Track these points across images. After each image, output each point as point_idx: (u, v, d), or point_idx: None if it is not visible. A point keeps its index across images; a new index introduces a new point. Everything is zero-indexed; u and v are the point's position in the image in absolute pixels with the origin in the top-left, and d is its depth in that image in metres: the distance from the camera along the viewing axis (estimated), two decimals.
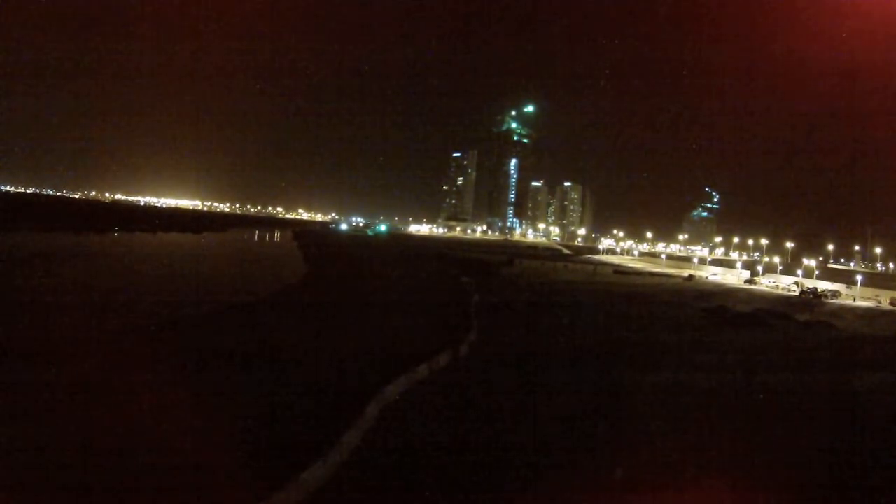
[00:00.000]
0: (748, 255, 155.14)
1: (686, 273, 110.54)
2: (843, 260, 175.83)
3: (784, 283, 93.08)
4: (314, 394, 24.26)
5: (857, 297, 79.01)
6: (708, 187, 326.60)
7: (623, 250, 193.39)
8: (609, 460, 19.08)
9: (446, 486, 16.82)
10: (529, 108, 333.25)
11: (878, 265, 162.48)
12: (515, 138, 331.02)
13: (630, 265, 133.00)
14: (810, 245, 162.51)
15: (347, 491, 16.46)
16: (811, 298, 77.00)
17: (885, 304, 75.23)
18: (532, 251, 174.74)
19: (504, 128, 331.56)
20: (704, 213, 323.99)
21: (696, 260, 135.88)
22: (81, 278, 56.91)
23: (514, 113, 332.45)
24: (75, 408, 20.58)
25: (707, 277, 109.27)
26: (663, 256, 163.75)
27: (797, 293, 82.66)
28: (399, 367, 28.16)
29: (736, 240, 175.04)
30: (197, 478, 15.65)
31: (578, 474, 18.05)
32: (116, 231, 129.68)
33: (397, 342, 35.61)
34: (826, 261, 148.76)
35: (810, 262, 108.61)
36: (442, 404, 24.97)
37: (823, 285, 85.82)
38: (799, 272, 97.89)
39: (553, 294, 71.84)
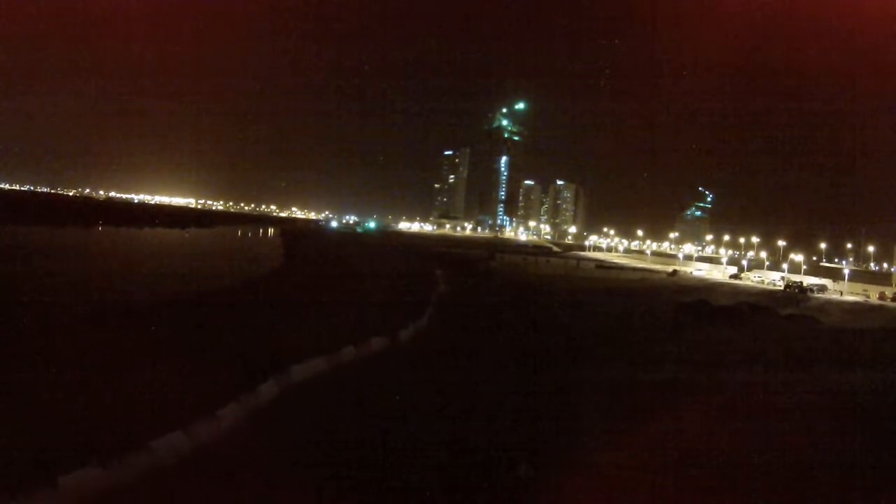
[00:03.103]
0: (740, 253, 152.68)
1: (670, 269, 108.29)
2: (836, 260, 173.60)
3: (770, 279, 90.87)
4: (217, 371, 21.95)
5: (844, 291, 76.77)
6: (702, 187, 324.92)
7: (609, 247, 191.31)
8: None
9: (305, 486, 14.15)
10: (520, 106, 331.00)
11: (872, 265, 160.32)
12: (506, 136, 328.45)
13: (615, 261, 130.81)
14: (803, 244, 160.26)
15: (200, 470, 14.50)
16: (796, 293, 74.50)
17: (873, 298, 73.01)
18: (521, 249, 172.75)
19: (495, 125, 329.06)
20: (698, 213, 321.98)
21: (681, 256, 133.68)
22: (47, 269, 54.31)
23: (504, 111, 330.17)
24: None
25: (692, 273, 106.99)
26: (648, 252, 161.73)
27: (782, 287, 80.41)
28: (325, 349, 25.76)
29: (727, 238, 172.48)
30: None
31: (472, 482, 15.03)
32: (101, 225, 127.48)
33: (337, 327, 33.00)
34: (819, 259, 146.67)
35: (798, 257, 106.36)
36: (354, 389, 22.56)
37: (810, 280, 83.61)
38: (784, 266, 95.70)
39: (525, 287, 69.39)
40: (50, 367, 20.64)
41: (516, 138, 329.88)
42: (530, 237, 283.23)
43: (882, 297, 72.89)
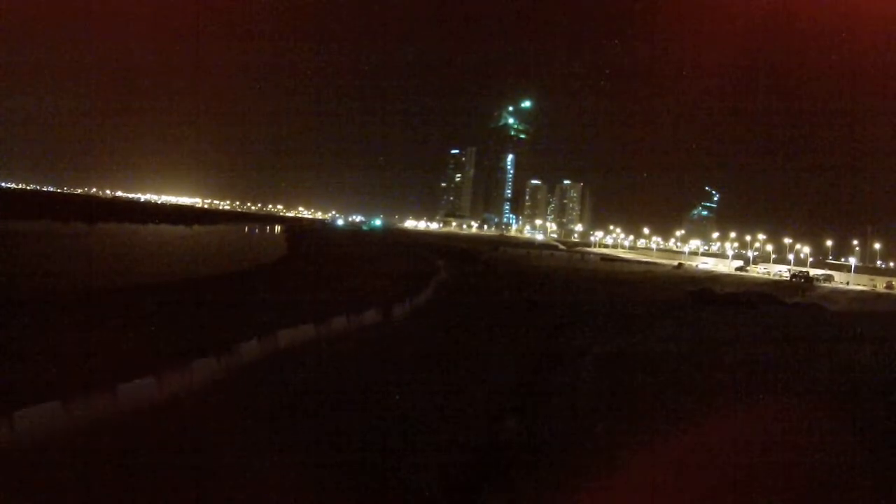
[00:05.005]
0: (747, 250, 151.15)
1: (675, 262, 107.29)
2: (843, 259, 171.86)
3: (776, 270, 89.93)
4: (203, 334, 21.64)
5: (850, 280, 75.74)
6: (708, 186, 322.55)
7: (615, 244, 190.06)
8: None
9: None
10: (526, 104, 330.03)
11: (879, 262, 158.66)
12: (512, 133, 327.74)
13: (620, 255, 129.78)
14: (809, 243, 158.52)
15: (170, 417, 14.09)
16: (802, 283, 73.49)
17: (880, 287, 71.98)
18: (526, 244, 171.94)
19: (500, 123, 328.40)
20: (704, 213, 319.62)
21: (687, 251, 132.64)
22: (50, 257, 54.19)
23: (510, 109, 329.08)
24: None
25: (697, 266, 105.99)
26: (654, 247, 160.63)
27: (788, 278, 79.39)
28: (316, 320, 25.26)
29: (733, 235, 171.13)
30: None
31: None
32: (104, 221, 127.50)
33: (332, 305, 32.48)
34: (825, 257, 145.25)
35: (804, 250, 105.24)
36: (342, 355, 22.14)
37: (816, 272, 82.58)
38: (790, 258, 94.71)
39: (526, 276, 68.69)
40: (39, 328, 20.49)
41: (522, 136, 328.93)
42: (536, 236, 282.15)
43: (889, 286, 71.87)
